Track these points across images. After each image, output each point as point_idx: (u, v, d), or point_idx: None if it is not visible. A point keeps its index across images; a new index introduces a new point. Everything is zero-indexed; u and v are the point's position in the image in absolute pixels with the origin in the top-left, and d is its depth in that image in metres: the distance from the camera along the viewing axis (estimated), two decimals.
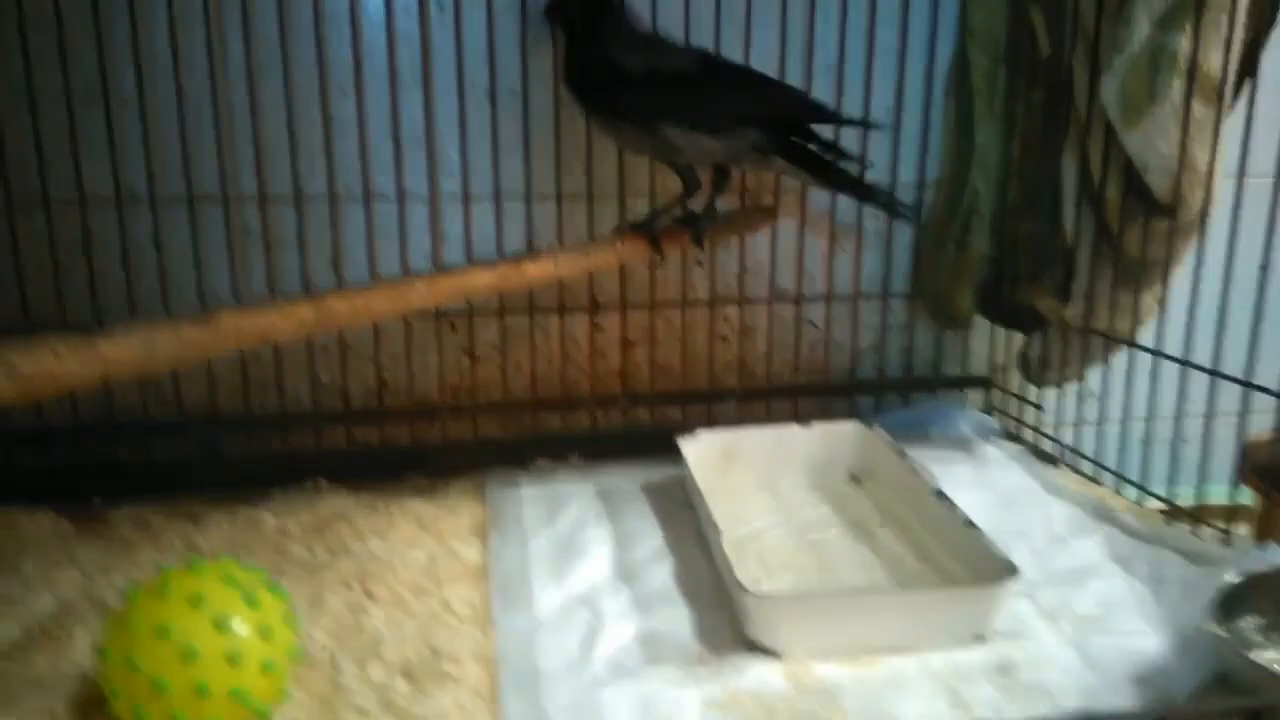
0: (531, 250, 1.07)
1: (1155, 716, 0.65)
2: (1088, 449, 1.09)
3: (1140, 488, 1.00)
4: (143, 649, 0.59)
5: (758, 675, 0.68)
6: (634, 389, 1.17)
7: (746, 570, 0.72)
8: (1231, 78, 0.89)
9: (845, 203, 1.15)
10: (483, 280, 0.92)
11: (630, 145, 1.03)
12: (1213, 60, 0.89)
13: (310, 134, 1.02)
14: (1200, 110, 0.90)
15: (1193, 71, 0.89)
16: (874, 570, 0.83)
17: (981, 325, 1.21)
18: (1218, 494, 0.99)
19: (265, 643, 0.61)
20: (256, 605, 0.62)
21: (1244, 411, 0.90)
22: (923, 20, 1.12)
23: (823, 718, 0.64)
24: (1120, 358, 1.05)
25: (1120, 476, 1.03)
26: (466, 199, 1.07)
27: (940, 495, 0.85)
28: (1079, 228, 1.03)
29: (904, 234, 1.18)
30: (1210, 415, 0.92)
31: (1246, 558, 0.79)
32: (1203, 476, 0.92)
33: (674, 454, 0.96)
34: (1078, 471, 1.07)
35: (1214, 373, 0.92)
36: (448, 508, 0.96)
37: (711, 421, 1.14)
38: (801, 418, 1.06)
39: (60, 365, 0.68)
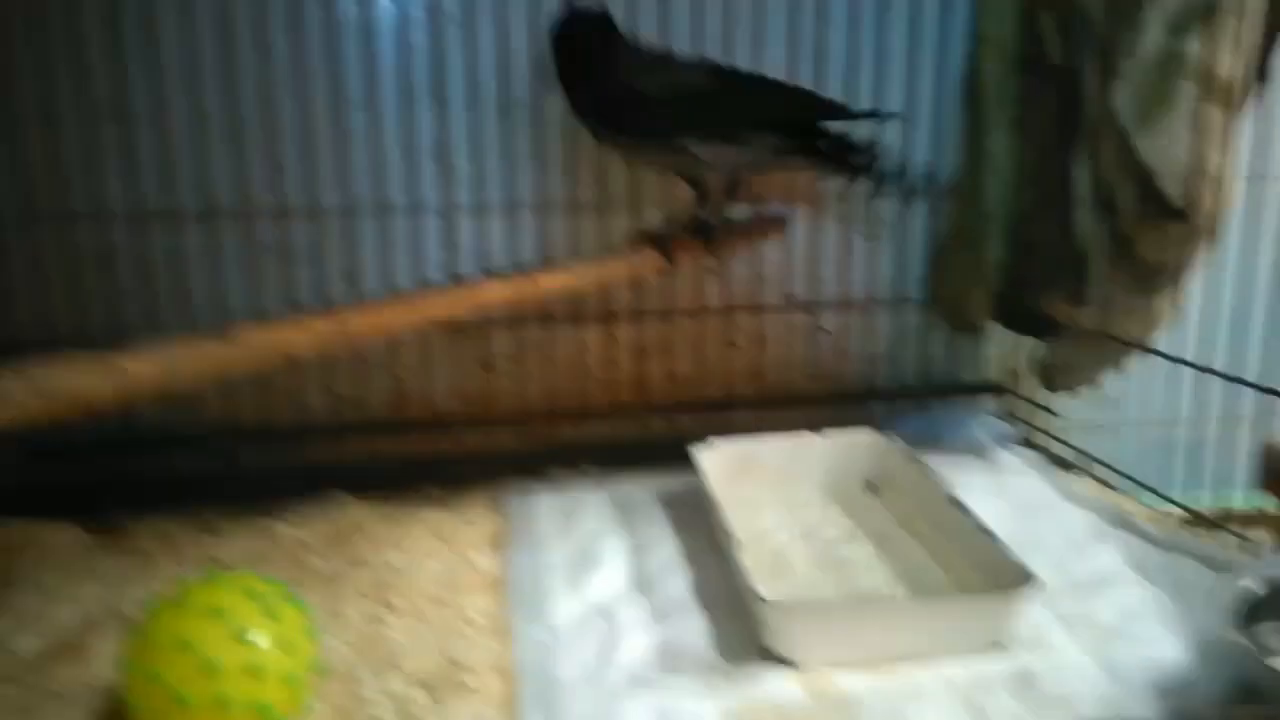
0: (545, 261, 1.08)
1: None
2: (1105, 455, 1.08)
3: (1158, 494, 0.99)
4: (164, 662, 0.59)
5: (775, 685, 0.68)
6: (648, 398, 1.17)
7: (763, 579, 0.72)
8: (1244, 81, 0.89)
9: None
10: (497, 294, 0.93)
11: (651, 163, 1.03)
12: (1225, 64, 0.89)
13: (324, 148, 1.03)
14: (1213, 114, 0.90)
15: (1205, 75, 0.89)
16: (891, 579, 0.83)
17: (997, 331, 1.21)
18: (1237, 499, 0.98)
19: (286, 655, 0.62)
20: (277, 618, 0.62)
21: (1263, 415, 0.89)
22: (934, 27, 1.12)
23: None
24: (1136, 363, 1.04)
25: (1138, 483, 1.03)
26: (480, 211, 1.08)
27: (957, 503, 0.85)
28: (1092, 233, 1.03)
29: (918, 239, 1.18)
30: (1228, 419, 0.91)
31: (1268, 564, 0.78)
32: (1222, 482, 0.92)
33: (689, 463, 0.96)
34: (1095, 478, 1.06)
35: (1231, 377, 0.91)
36: (464, 518, 0.96)
37: (726, 430, 1.14)
38: (816, 425, 1.05)
39: (86, 383, 0.69)
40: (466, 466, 1.09)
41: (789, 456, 1.01)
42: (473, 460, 1.11)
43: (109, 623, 0.77)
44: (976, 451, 1.09)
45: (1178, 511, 0.97)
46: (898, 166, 1.01)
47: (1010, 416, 1.22)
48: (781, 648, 0.71)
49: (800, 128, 0.96)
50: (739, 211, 1.09)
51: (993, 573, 0.77)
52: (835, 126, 0.97)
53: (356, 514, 0.96)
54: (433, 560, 0.87)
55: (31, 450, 1.03)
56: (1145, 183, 0.95)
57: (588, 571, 0.85)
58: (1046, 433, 1.16)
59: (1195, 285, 0.99)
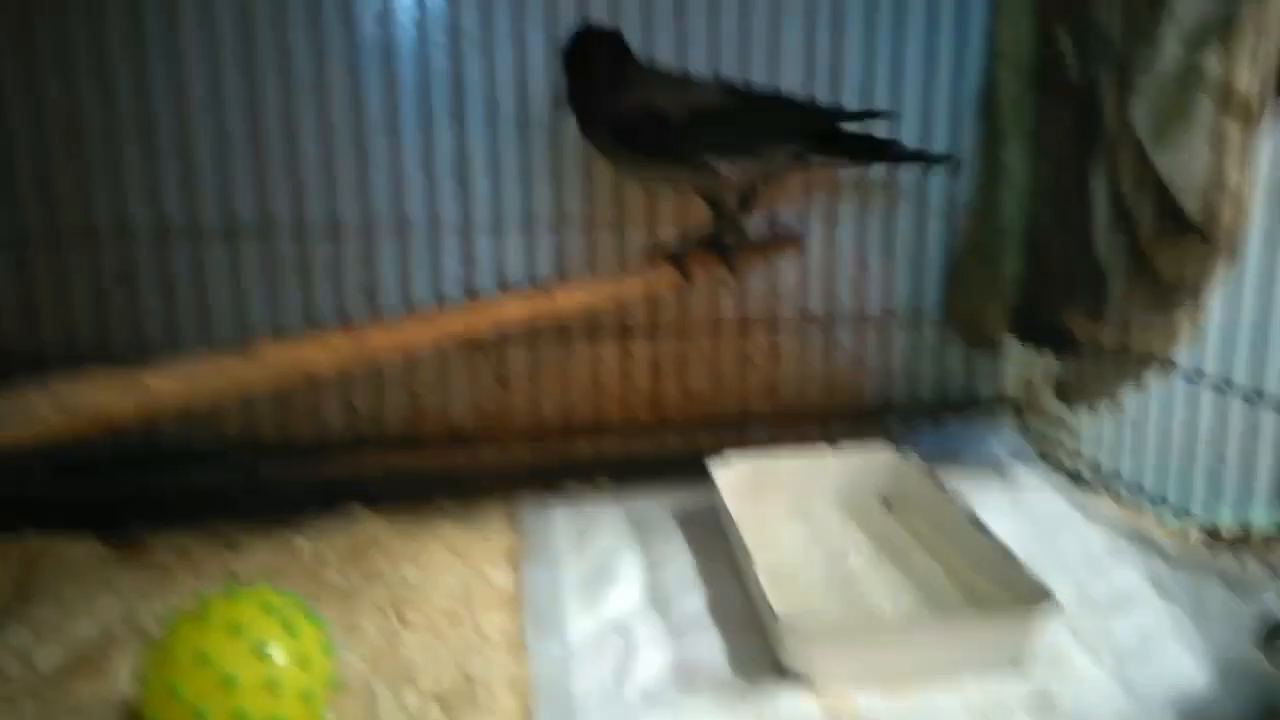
0: (562, 278, 1.09)
1: None
2: (1124, 472, 1.07)
3: (1179, 512, 0.99)
4: (183, 677, 0.60)
5: (791, 704, 0.68)
6: (664, 414, 1.17)
7: (778, 596, 0.72)
8: (1261, 96, 0.88)
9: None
10: (514, 310, 0.93)
11: (668, 180, 1.04)
12: (1243, 79, 0.88)
13: (345, 166, 1.05)
14: (1231, 129, 0.90)
15: (1223, 90, 0.89)
16: (907, 596, 0.82)
17: (1014, 346, 1.20)
18: (1258, 517, 0.97)
19: (304, 671, 0.62)
20: (295, 633, 0.63)
21: None
22: (950, 43, 1.12)
23: None
24: (1156, 379, 1.03)
25: (1158, 501, 1.02)
26: (498, 228, 1.09)
27: (974, 520, 0.85)
28: (1110, 248, 1.02)
29: (935, 253, 1.18)
30: (1250, 437, 0.90)
31: None
32: (1244, 500, 0.91)
33: (705, 478, 0.96)
34: (1113, 495, 1.05)
35: (1251, 393, 0.90)
36: (480, 534, 0.97)
37: (742, 445, 1.14)
38: (832, 441, 1.05)
39: (108, 399, 0.70)
40: (482, 482, 1.09)
41: (805, 472, 1.01)
42: (489, 476, 1.11)
43: (128, 637, 0.77)
44: (994, 468, 1.09)
45: (1197, 529, 0.96)
46: (916, 148, 1.07)
47: (1027, 432, 1.21)
48: (798, 665, 0.71)
49: (819, 133, 0.98)
50: (754, 226, 1.09)
51: (1010, 590, 0.76)
52: (852, 127, 1.00)
53: (373, 529, 0.97)
54: (448, 575, 0.88)
55: (54, 465, 1.04)
56: (1163, 198, 0.95)
57: (603, 587, 0.85)
58: (1064, 448, 1.16)
59: (1215, 301, 0.98)
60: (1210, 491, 0.94)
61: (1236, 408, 0.92)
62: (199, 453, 1.08)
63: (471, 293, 1.09)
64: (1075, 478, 1.09)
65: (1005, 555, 0.78)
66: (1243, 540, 0.92)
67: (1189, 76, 0.90)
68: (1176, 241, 0.96)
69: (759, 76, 1.08)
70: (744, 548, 0.80)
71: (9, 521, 0.94)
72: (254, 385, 0.81)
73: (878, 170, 1.15)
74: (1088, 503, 1.00)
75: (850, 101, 1.11)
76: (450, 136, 1.06)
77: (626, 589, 0.85)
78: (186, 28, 0.99)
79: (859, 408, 1.21)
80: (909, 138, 1.12)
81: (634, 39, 1.00)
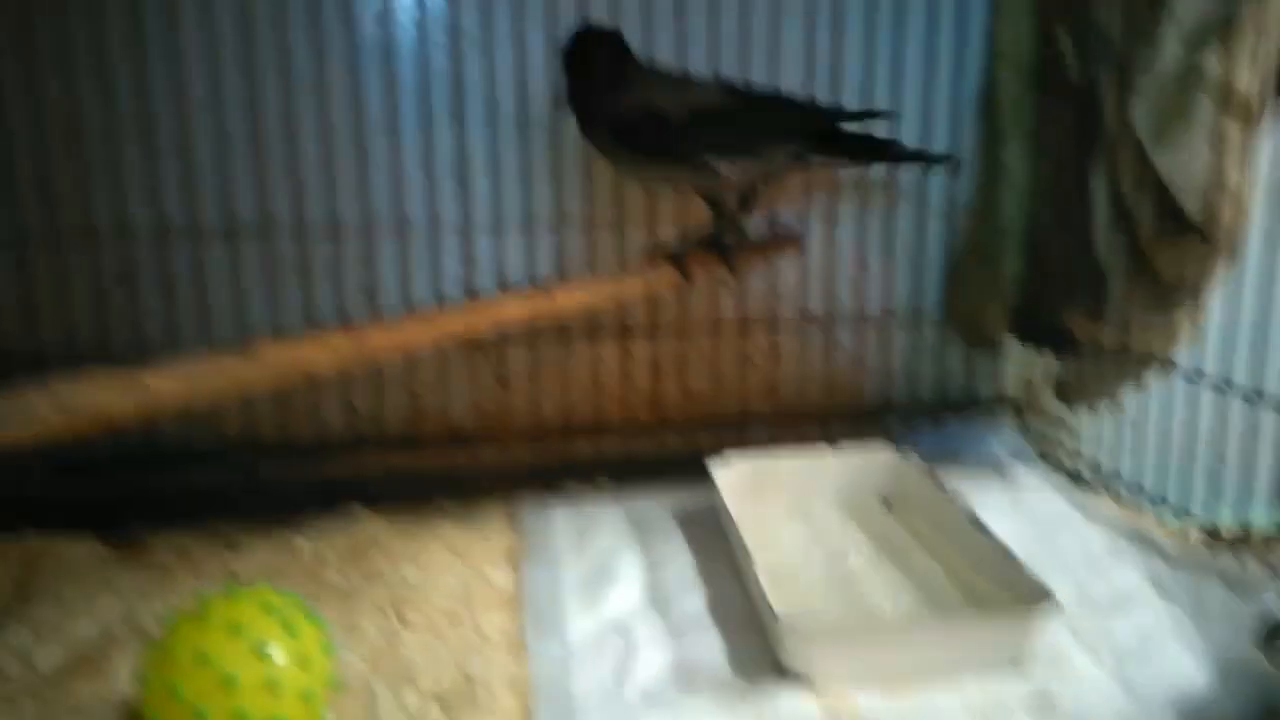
0: (563, 277, 1.09)
1: None
2: (1124, 472, 1.07)
3: (1179, 512, 0.99)
4: (183, 677, 0.60)
5: (791, 704, 0.68)
6: (664, 414, 1.17)
7: (778, 596, 0.72)
8: (1262, 96, 0.88)
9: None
10: (514, 311, 0.93)
11: (668, 180, 1.04)
12: (1243, 79, 0.88)
13: (345, 166, 1.05)
14: (1232, 129, 0.90)
15: (1223, 90, 0.89)
16: (907, 596, 0.82)
17: (1013, 346, 1.20)
18: (1258, 517, 0.97)
19: (304, 671, 0.62)
20: (295, 633, 0.63)
21: None
22: (949, 42, 1.12)
23: None
24: (1156, 379, 1.03)
25: (1158, 501, 1.02)
26: (498, 228, 1.09)
27: (974, 520, 0.85)
28: (1110, 248, 1.02)
29: (935, 253, 1.18)
30: (1250, 437, 0.90)
31: None
32: (1244, 500, 0.91)
33: (705, 478, 0.96)
34: (1113, 495, 1.05)
35: (1251, 393, 0.90)
36: (480, 534, 0.97)
37: (742, 445, 1.14)
38: (831, 440, 1.05)
39: (108, 399, 0.70)
40: (482, 482, 1.09)
41: (805, 472, 1.01)
42: (489, 476, 1.11)
43: (128, 637, 0.77)
44: (993, 468, 1.09)
45: (1197, 529, 0.96)
46: (916, 148, 1.08)
47: (1027, 432, 1.21)
48: (798, 665, 0.71)
49: (819, 133, 0.98)
50: (754, 226, 1.09)
51: (1010, 590, 0.76)
52: (852, 127, 1.00)
53: (373, 529, 0.97)
54: (448, 575, 0.88)
55: (54, 465, 1.04)
56: (1163, 198, 0.95)
57: (603, 588, 0.85)
58: (1064, 448, 1.16)
59: (1215, 301, 0.98)
60: (1210, 491, 0.94)
61: (1236, 408, 0.92)
62: (199, 453, 1.08)
63: (471, 293, 1.09)
64: (1075, 478, 1.09)
65: (1005, 555, 0.78)
66: (1243, 540, 0.92)
67: (1189, 76, 0.90)
68: (1176, 241, 0.96)
69: (759, 76, 1.08)
70: (744, 548, 0.80)
71: (9, 521, 0.94)
72: (254, 385, 0.81)
73: (878, 170, 1.15)
74: (1088, 503, 1.00)
75: (850, 101, 1.12)
76: (450, 136, 1.06)
77: (626, 589, 0.85)
78: (186, 28, 0.99)
79: (859, 408, 1.21)
80: (909, 138, 1.12)
81: (634, 39, 1.00)
